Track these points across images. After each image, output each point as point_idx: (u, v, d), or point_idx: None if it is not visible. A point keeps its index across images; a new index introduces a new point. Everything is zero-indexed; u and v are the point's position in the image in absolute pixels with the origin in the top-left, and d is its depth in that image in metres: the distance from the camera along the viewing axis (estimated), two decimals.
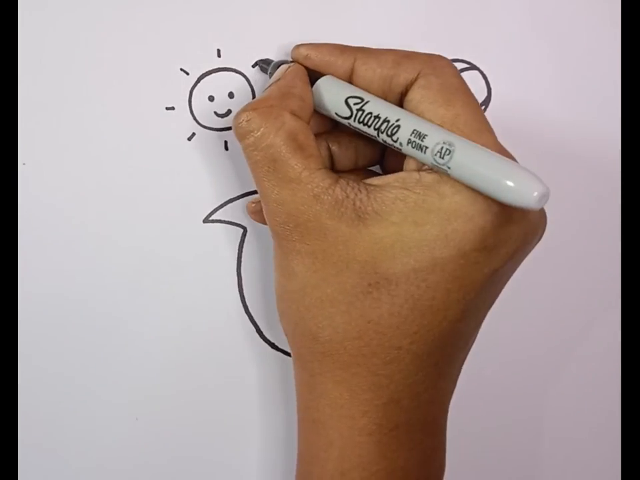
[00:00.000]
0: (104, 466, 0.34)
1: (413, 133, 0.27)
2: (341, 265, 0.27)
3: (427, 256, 0.26)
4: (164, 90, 0.34)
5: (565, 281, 0.37)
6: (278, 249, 0.29)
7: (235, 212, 0.35)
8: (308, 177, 0.27)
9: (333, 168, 0.32)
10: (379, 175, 0.32)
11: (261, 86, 0.35)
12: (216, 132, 0.35)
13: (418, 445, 0.29)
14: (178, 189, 0.34)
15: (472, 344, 0.30)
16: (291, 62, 0.32)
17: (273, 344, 0.35)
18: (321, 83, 0.30)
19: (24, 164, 0.33)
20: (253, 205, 0.33)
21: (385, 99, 0.29)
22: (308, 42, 0.32)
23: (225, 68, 0.35)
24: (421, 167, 0.28)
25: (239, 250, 0.35)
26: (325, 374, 0.28)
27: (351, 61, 0.30)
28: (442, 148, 0.26)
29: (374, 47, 0.30)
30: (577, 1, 0.37)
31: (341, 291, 0.27)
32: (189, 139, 0.35)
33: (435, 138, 0.26)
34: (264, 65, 0.34)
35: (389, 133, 0.28)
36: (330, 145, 0.32)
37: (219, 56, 0.35)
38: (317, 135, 0.31)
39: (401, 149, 0.28)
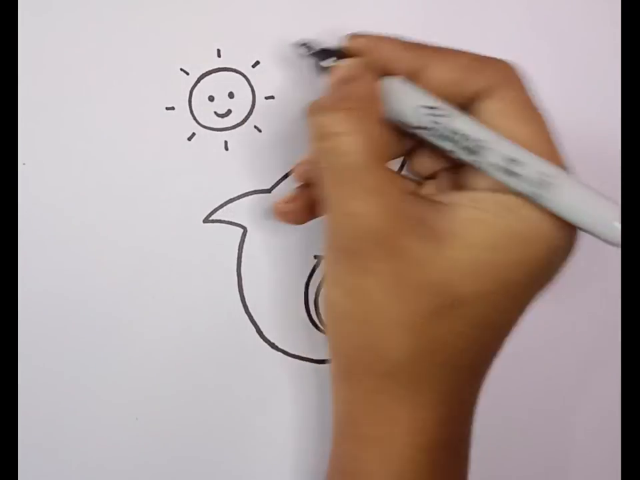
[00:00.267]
0: (104, 466, 0.34)
1: (504, 158, 0.25)
2: (415, 285, 0.25)
3: (502, 280, 0.26)
4: (164, 90, 0.34)
5: (565, 280, 0.37)
6: (344, 265, 0.26)
7: (235, 212, 0.35)
8: (390, 190, 0.25)
9: None
10: (416, 180, 0.31)
11: (261, 86, 0.35)
12: (216, 132, 0.35)
13: (466, 460, 0.29)
14: (178, 188, 0.35)
15: None
16: (339, 50, 0.29)
17: (273, 344, 0.35)
18: (389, 84, 0.27)
19: (24, 164, 0.33)
20: (284, 204, 0.32)
21: (449, 103, 0.27)
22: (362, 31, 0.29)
23: (225, 68, 0.35)
24: (496, 186, 0.26)
25: (239, 250, 0.35)
26: (384, 392, 0.27)
27: (417, 60, 0.27)
28: (540, 179, 0.25)
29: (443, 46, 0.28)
30: (576, 0, 0.37)
31: (414, 312, 0.26)
32: (189, 138, 0.35)
33: (533, 168, 0.25)
34: (307, 48, 0.30)
35: (471, 151, 0.26)
36: None
37: (219, 56, 0.35)
38: None
39: (479, 168, 0.26)
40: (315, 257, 0.35)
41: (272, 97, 0.35)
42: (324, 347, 0.35)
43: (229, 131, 0.35)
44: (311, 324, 0.36)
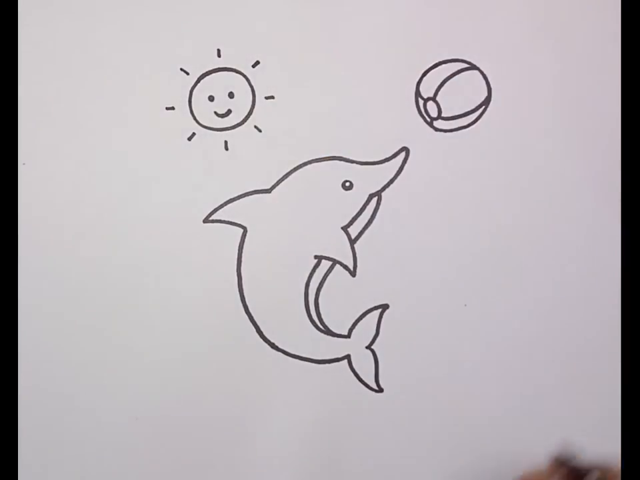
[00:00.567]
0: (104, 466, 0.34)
1: None
2: None
3: None
4: (164, 90, 0.34)
5: (565, 280, 0.37)
6: None
7: (235, 212, 0.35)
8: None
9: None
10: None
11: (262, 86, 0.35)
12: (216, 132, 0.35)
13: None
14: (178, 188, 0.34)
15: None
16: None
17: (273, 344, 0.35)
18: None
19: (24, 164, 0.33)
20: None
21: None
22: None
23: (225, 68, 0.35)
24: None
25: (238, 250, 0.35)
26: None
27: None
28: None
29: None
30: (577, 1, 0.37)
31: None
32: (189, 139, 0.35)
33: None
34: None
35: None
36: None
37: (219, 56, 0.35)
38: None
39: None
40: (315, 257, 0.35)
41: (272, 97, 0.35)
42: (324, 347, 0.35)
43: (229, 131, 0.35)
44: (311, 324, 0.36)
